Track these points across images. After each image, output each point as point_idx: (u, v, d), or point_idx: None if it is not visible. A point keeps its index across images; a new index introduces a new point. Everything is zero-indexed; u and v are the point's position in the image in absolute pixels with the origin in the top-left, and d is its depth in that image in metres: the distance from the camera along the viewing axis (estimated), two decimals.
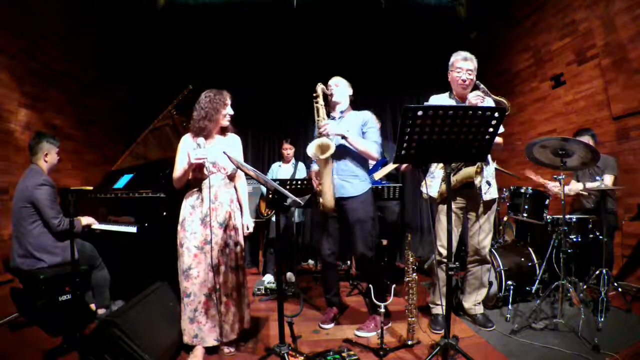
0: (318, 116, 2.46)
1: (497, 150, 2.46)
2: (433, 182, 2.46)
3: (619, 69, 3.16)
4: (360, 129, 2.47)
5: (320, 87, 2.48)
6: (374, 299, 2.25)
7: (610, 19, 3.11)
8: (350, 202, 2.41)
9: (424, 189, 2.41)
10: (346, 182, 2.43)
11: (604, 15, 3.16)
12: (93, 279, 2.61)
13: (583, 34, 3.41)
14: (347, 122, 2.48)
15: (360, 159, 2.47)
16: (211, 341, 2.10)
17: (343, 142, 2.39)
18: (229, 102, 2.18)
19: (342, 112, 2.55)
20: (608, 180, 2.93)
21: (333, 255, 2.57)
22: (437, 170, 2.45)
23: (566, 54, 3.65)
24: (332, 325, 2.57)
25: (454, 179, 2.31)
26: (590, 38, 3.36)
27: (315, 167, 2.62)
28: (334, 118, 2.56)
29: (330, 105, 2.56)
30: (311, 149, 2.36)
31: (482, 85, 2.32)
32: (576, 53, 3.54)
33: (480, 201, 2.39)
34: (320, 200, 2.43)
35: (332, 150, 2.32)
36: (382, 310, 2.12)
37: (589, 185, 2.93)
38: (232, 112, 2.20)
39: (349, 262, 3.84)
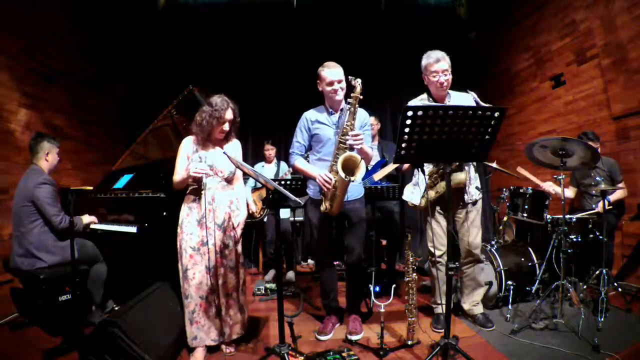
0: (353, 121, 2.17)
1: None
2: (416, 190, 2.48)
3: (619, 69, 3.16)
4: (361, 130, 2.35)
5: (359, 82, 2.15)
6: (374, 299, 2.26)
7: (610, 19, 3.11)
8: (352, 203, 2.40)
9: (408, 198, 2.46)
10: (351, 186, 2.36)
11: (604, 15, 3.16)
12: (90, 273, 2.60)
13: (583, 34, 3.41)
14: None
15: None
16: (209, 341, 2.11)
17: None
18: (227, 117, 2.14)
19: (342, 109, 2.38)
20: (622, 186, 2.97)
21: (332, 255, 2.54)
22: (421, 180, 2.44)
23: (566, 54, 3.66)
24: (330, 336, 2.39)
25: (442, 185, 2.30)
26: (590, 38, 3.36)
27: (299, 161, 2.42)
28: (332, 114, 2.39)
29: (329, 103, 2.37)
30: (340, 170, 2.04)
31: (472, 92, 2.26)
32: (576, 53, 3.55)
33: (466, 203, 2.39)
34: (327, 204, 2.27)
35: (362, 169, 2.07)
36: (382, 310, 2.12)
37: (613, 197, 2.94)
38: (227, 128, 2.17)
39: None
